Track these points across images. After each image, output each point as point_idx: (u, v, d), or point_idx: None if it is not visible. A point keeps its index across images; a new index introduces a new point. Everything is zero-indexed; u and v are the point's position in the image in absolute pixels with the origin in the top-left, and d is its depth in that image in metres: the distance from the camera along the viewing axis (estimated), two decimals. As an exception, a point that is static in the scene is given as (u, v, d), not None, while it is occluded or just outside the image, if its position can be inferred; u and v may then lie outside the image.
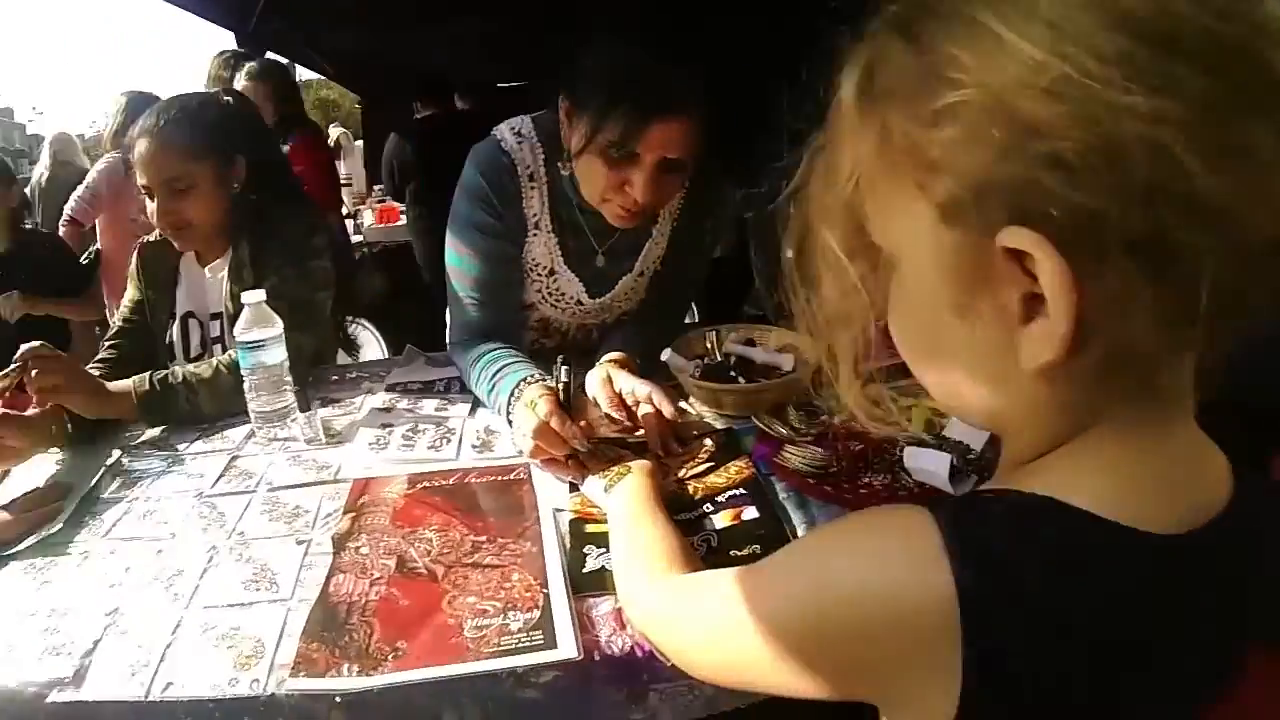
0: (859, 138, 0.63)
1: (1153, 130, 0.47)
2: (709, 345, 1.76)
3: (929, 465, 1.28)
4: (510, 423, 1.53)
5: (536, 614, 1.04)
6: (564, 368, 1.43)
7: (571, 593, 1.08)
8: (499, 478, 1.40)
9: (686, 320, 2.29)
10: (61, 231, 3.89)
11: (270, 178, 2.03)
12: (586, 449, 1.37)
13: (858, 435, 1.42)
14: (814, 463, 1.33)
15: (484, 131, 1.77)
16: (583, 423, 1.39)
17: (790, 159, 0.71)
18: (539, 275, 1.83)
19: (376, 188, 6.56)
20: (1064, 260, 0.51)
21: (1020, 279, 0.54)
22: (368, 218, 6.15)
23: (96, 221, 3.89)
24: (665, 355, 1.64)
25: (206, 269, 2.00)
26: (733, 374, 1.64)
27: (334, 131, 7.23)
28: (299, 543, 1.23)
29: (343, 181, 6.78)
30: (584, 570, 1.13)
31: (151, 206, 1.86)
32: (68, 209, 3.86)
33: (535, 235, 1.76)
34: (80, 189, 3.85)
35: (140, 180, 1.86)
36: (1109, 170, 0.48)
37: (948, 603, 0.55)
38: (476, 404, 1.74)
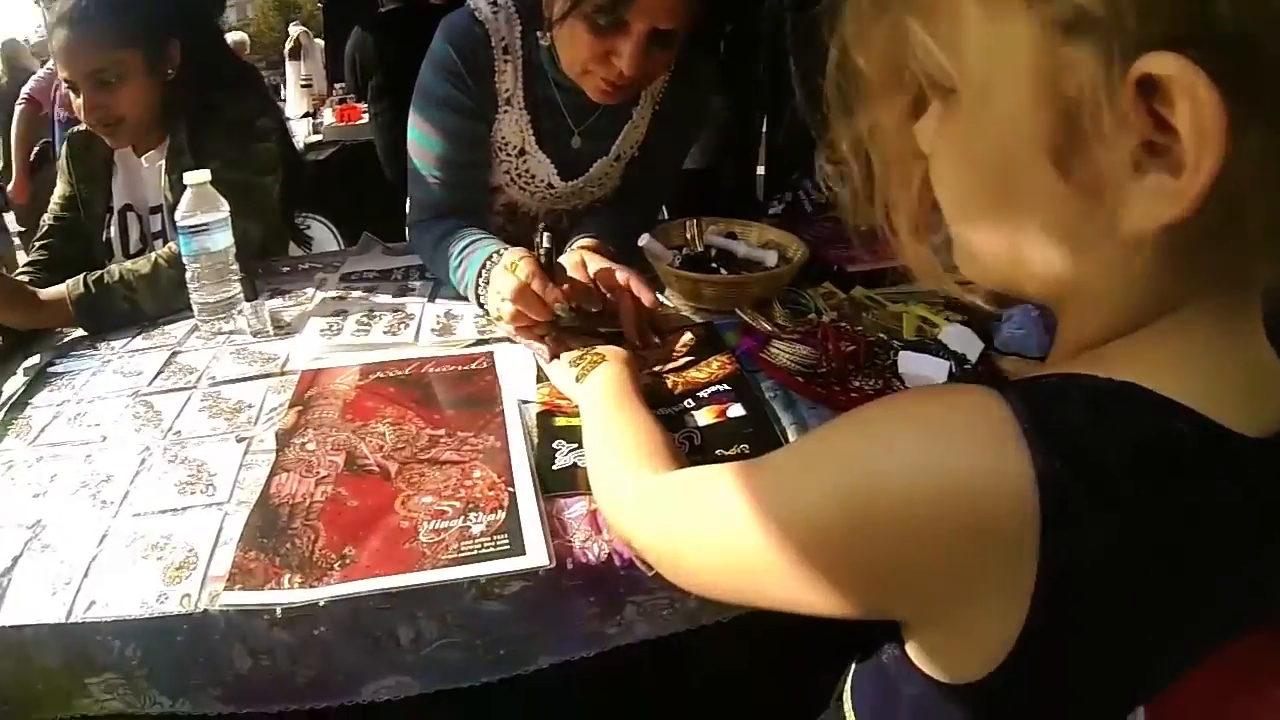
0: None
1: None
2: (689, 236, 1.64)
3: (926, 371, 1.20)
4: (479, 301, 1.46)
5: (501, 515, 0.93)
6: (546, 234, 1.32)
7: (540, 492, 0.98)
8: (459, 367, 1.29)
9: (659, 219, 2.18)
10: (18, 111, 3.77)
11: (208, 58, 1.86)
12: (568, 316, 1.28)
13: (848, 336, 1.32)
14: (803, 361, 1.23)
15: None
16: (565, 287, 1.29)
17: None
18: (508, 155, 1.70)
19: (337, 86, 6.36)
20: (1220, 99, 0.42)
21: (1143, 122, 0.45)
22: (328, 117, 5.95)
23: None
24: (644, 241, 1.52)
25: (143, 158, 1.85)
26: (713, 265, 1.54)
27: (294, 30, 6.98)
28: (239, 440, 1.12)
29: (303, 82, 6.60)
30: (554, 468, 1.03)
31: (78, 101, 1.70)
32: (25, 89, 3.74)
33: (506, 112, 1.63)
34: (40, 70, 3.75)
35: (62, 74, 1.70)
36: None
37: (1027, 494, 0.48)
38: (437, 288, 1.64)
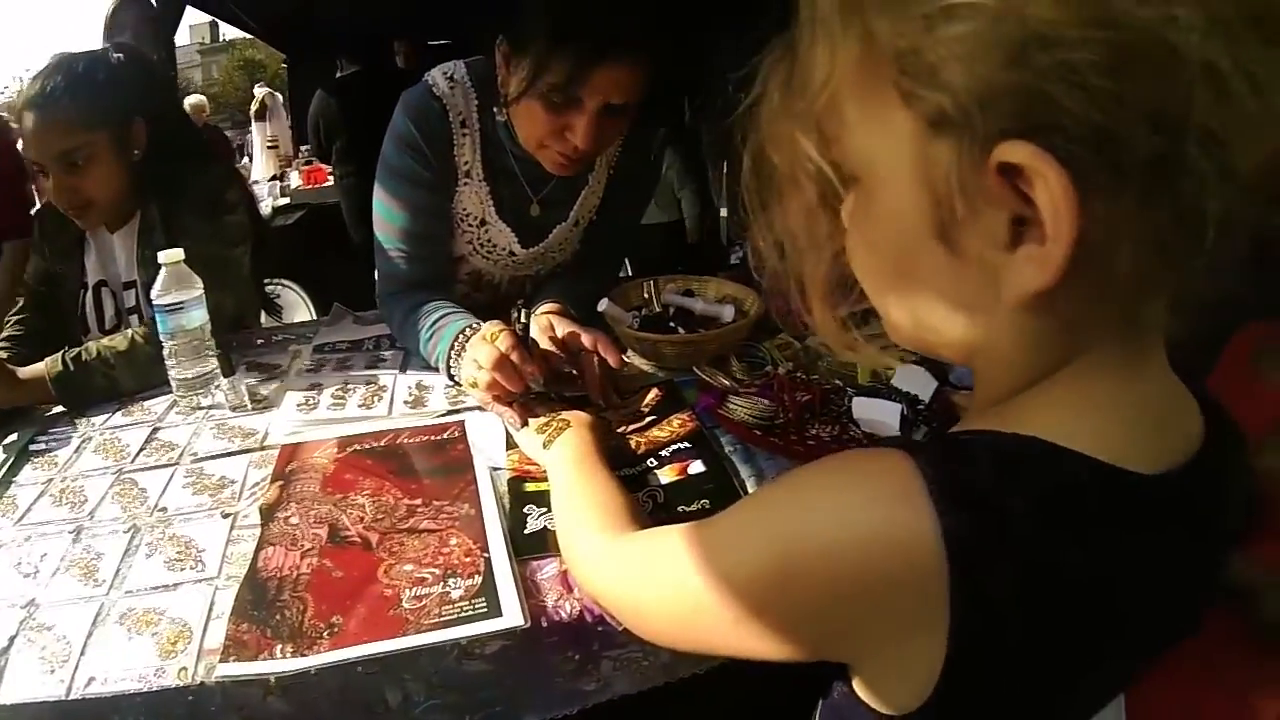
0: (837, 44, 0.57)
1: (1170, 45, 0.44)
2: (646, 295, 1.71)
3: (878, 415, 1.27)
4: (449, 373, 1.51)
5: (478, 580, 0.99)
6: (524, 310, 1.39)
7: (514, 556, 1.04)
8: (433, 437, 1.35)
9: (621, 275, 2.25)
10: None
11: (173, 135, 1.91)
12: (540, 388, 1.36)
13: (803, 386, 1.39)
14: (760, 414, 1.30)
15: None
16: (538, 360, 1.36)
17: (745, 69, 0.66)
18: (470, 226, 1.77)
19: (303, 148, 6.42)
20: (1069, 178, 0.48)
21: (1011, 200, 0.51)
22: (295, 179, 6.01)
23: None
24: (603, 306, 1.60)
25: (115, 235, 1.90)
26: (671, 324, 1.61)
27: (259, 92, 7.05)
28: (225, 516, 1.17)
29: (269, 143, 6.65)
30: (525, 531, 1.09)
31: (48, 184, 1.75)
32: None
33: (466, 184, 1.70)
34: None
35: (31, 156, 1.74)
36: (1120, 85, 0.45)
37: (933, 548, 0.53)
38: (408, 359, 1.70)
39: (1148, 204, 0.48)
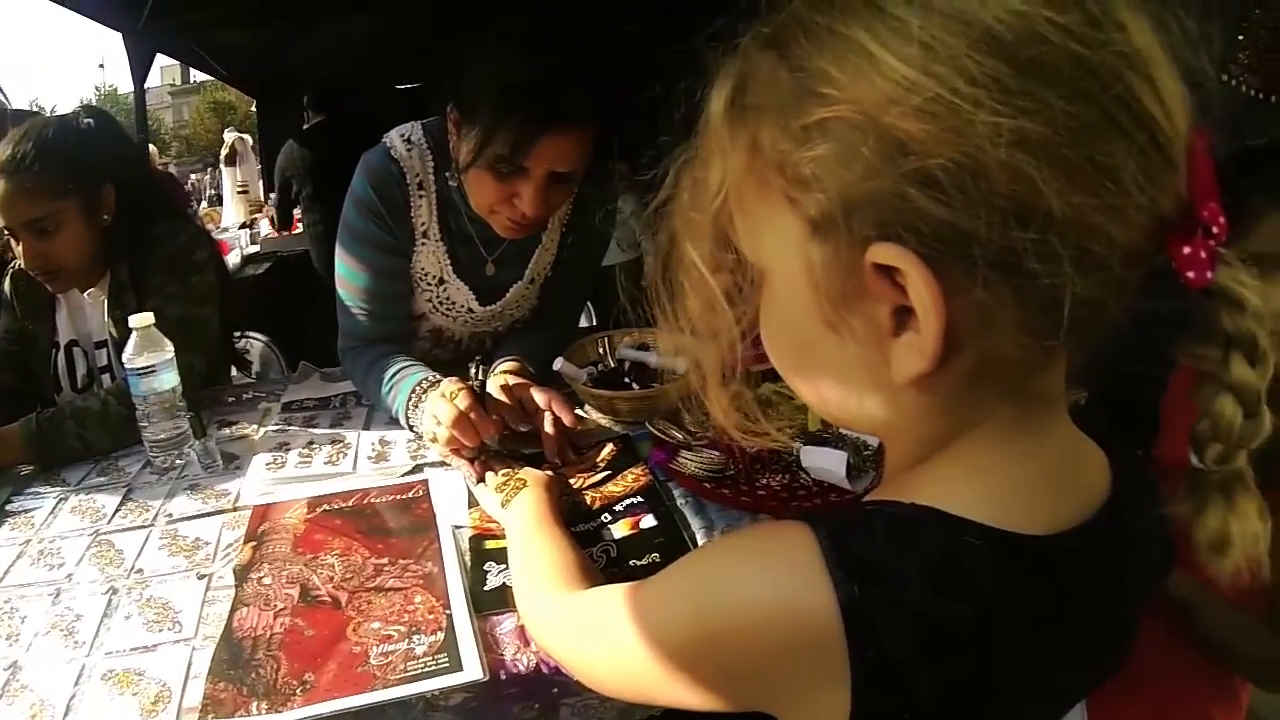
0: (729, 151, 0.63)
1: (1016, 150, 0.49)
2: (601, 351, 1.79)
3: (826, 464, 1.32)
4: (409, 424, 1.58)
5: (441, 636, 1.06)
6: (481, 367, 1.47)
7: (474, 612, 1.11)
8: (398, 496, 1.41)
9: (583, 324, 2.32)
10: None
11: (142, 198, 1.96)
12: (495, 446, 1.44)
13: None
14: (710, 467, 1.37)
15: (378, 135, 1.75)
16: (495, 418, 1.43)
17: (658, 172, 0.72)
18: (429, 285, 1.84)
19: (272, 195, 6.42)
20: (931, 275, 0.53)
21: (890, 292, 0.56)
22: (264, 227, 5.99)
23: None
24: (558, 364, 1.66)
25: (86, 295, 1.95)
26: (626, 380, 1.68)
27: (229, 137, 7.01)
28: (200, 577, 1.23)
29: (239, 189, 6.64)
30: (485, 588, 1.16)
31: (18, 248, 1.79)
32: None
33: (424, 245, 1.78)
34: None
35: (0, 222, 1.77)
36: (974, 188, 0.50)
37: (831, 616, 0.57)
38: (371, 416, 1.76)
39: (1013, 292, 0.53)
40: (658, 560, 1.18)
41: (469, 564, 1.22)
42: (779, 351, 0.71)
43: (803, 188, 0.58)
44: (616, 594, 0.80)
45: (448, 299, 1.87)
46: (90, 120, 1.91)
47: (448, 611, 1.10)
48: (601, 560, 1.19)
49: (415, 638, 1.06)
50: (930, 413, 0.63)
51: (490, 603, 1.13)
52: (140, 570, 1.26)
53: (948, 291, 0.54)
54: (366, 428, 1.72)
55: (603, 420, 1.65)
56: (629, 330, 1.82)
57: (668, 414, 1.57)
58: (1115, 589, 0.70)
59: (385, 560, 1.23)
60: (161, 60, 4.93)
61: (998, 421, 0.63)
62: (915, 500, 0.62)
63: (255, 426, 1.77)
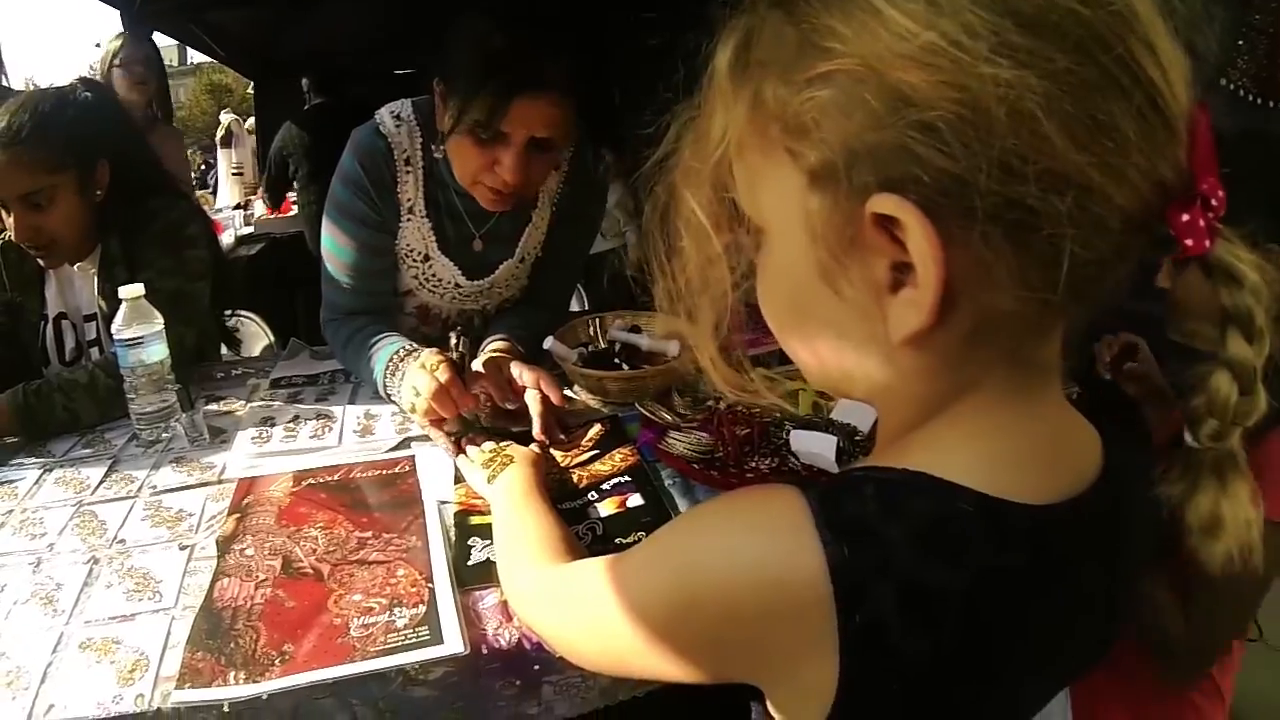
0: (731, 106, 0.63)
1: (1017, 101, 0.49)
2: (593, 332, 1.78)
3: (815, 448, 1.31)
4: (386, 393, 1.62)
5: (422, 609, 1.05)
6: (461, 339, 1.49)
7: (457, 586, 1.10)
8: (383, 471, 1.41)
9: (574, 307, 2.33)
10: None
11: (136, 172, 1.94)
12: (473, 418, 1.45)
13: (743, 420, 1.45)
14: (699, 448, 1.36)
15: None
16: (476, 393, 1.47)
17: (658, 128, 0.71)
18: (414, 261, 1.86)
19: (268, 172, 6.37)
20: (931, 226, 0.52)
21: (888, 247, 0.55)
22: (259, 208, 5.96)
23: None
24: (548, 344, 1.66)
25: (76, 268, 1.93)
26: (616, 361, 1.67)
27: (225, 118, 6.95)
28: (182, 548, 1.22)
29: (234, 170, 6.60)
30: (469, 563, 1.15)
31: (9, 220, 1.76)
32: None
33: (409, 221, 1.79)
34: None
35: None
36: (975, 138, 0.50)
37: (819, 578, 0.56)
38: (358, 391, 1.77)
39: (1013, 247, 0.52)
40: (643, 538, 1.17)
41: (453, 539, 1.21)
42: (774, 308, 0.70)
43: (803, 138, 0.57)
44: (598, 565, 0.79)
45: (434, 275, 1.89)
46: (88, 94, 1.89)
47: (430, 585, 1.09)
48: (587, 538, 1.18)
49: (396, 610, 1.05)
50: (926, 373, 0.62)
51: (473, 577, 1.12)
52: (122, 540, 1.26)
53: (947, 243, 0.53)
54: (352, 402, 1.71)
55: (592, 401, 1.64)
56: (620, 313, 1.82)
57: (657, 396, 1.56)
58: (1105, 566, 0.68)
59: (369, 534, 1.22)
60: (158, 41, 4.90)
61: (993, 386, 0.62)
62: (907, 465, 0.61)
63: (242, 402, 1.76)
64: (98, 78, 3.53)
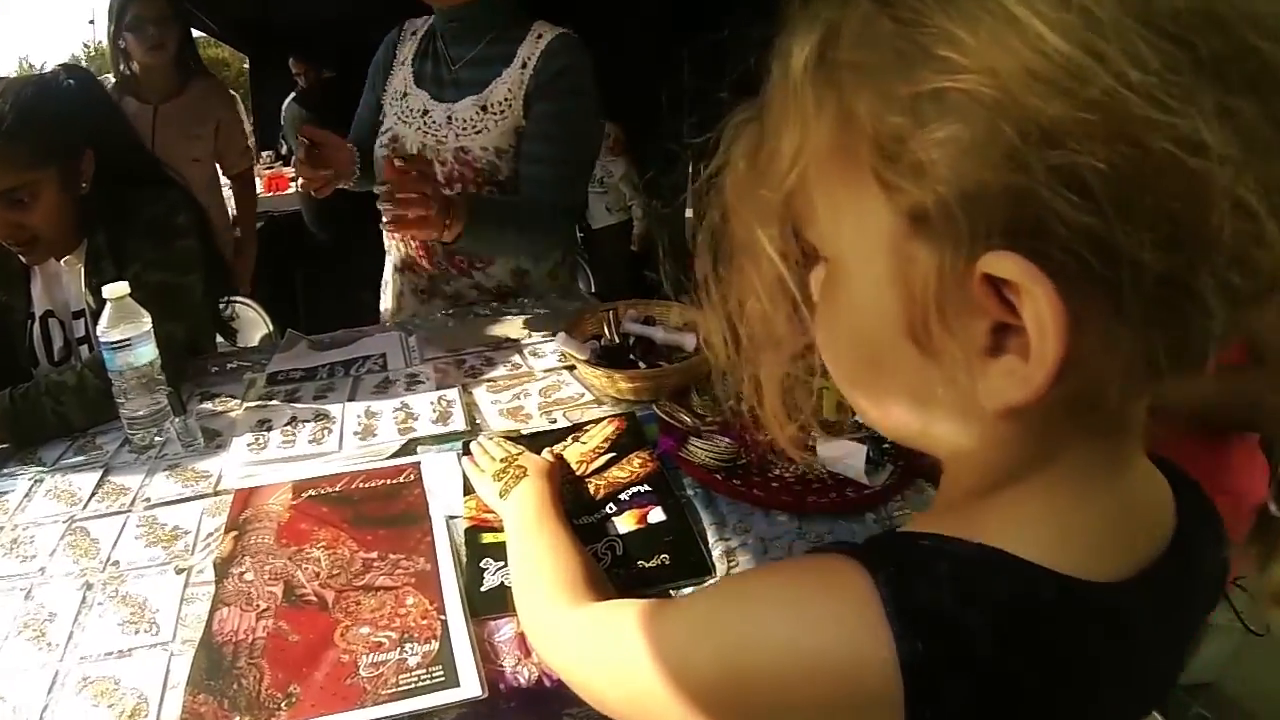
0: (811, 117, 0.53)
1: (1195, 161, 0.40)
2: (606, 326, 1.70)
3: (844, 456, 1.25)
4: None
5: (435, 645, 0.98)
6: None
7: (470, 616, 1.03)
8: (388, 481, 1.34)
9: (579, 285, 2.33)
10: None
11: (123, 162, 1.86)
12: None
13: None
14: (721, 456, 1.29)
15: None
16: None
17: (695, 135, 0.63)
18: (395, 99, 2.15)
19: (265, 154, 6.27)
20: (1058, 296, 0.44)
21: (995, 308, 0.47)
22: (256, 185, 5.87)
23: None
24: (559, 340, 1.60)
25: (62, 263, 1.85)
26: (632, 357, 1.61)
27: (221, 94, 6.87)
28: (179, 571, 1.16)
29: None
30: (482, 589, 1.09)
31: None
32: None
33: (399, 69, 2.17)
34: None
35: None
36: (1134, 199, 0.41)
37: (889, 672, 0.51)
38: (356, 385, 1.72)
39: (1146, 325, 0.45)
40: (667, 562, 1.11)
41: (464, 560, 1.15)
42: (842, 357, 0.62)
43: (904, 169, 0.48)
44: (633, 613, 0.72)
45: (407, 107, 2.11)
46: (71, 81, 1.80)
47: (442, 617, 1.03)
48: (606, 559, 1.12)
49: (408, 646, 0.98)
50: (1011, 442, 0.55)
51: (487, 605, 1.06)
52: (116, 562, 1.19)
53: (1072, 316, 0.45)
54: (351, 398, 1.65)
55: (605, 398, 1.57)
56: (633, 302, 1.75)
57: (674, 394, 1.50)
58: (1177, 635, 0.64)
59: (374, 555, 1.15)
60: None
61: (1079, 455, 0.55)
62: (981, 539, 0.55)
63: (238, 401, 1.70)
64: (104, 45, 3.33)
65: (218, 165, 3.68)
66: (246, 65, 8.10)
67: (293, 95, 5.90)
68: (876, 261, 0.53)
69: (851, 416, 1.33)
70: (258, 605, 1.07)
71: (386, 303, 2.37)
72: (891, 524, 1.19)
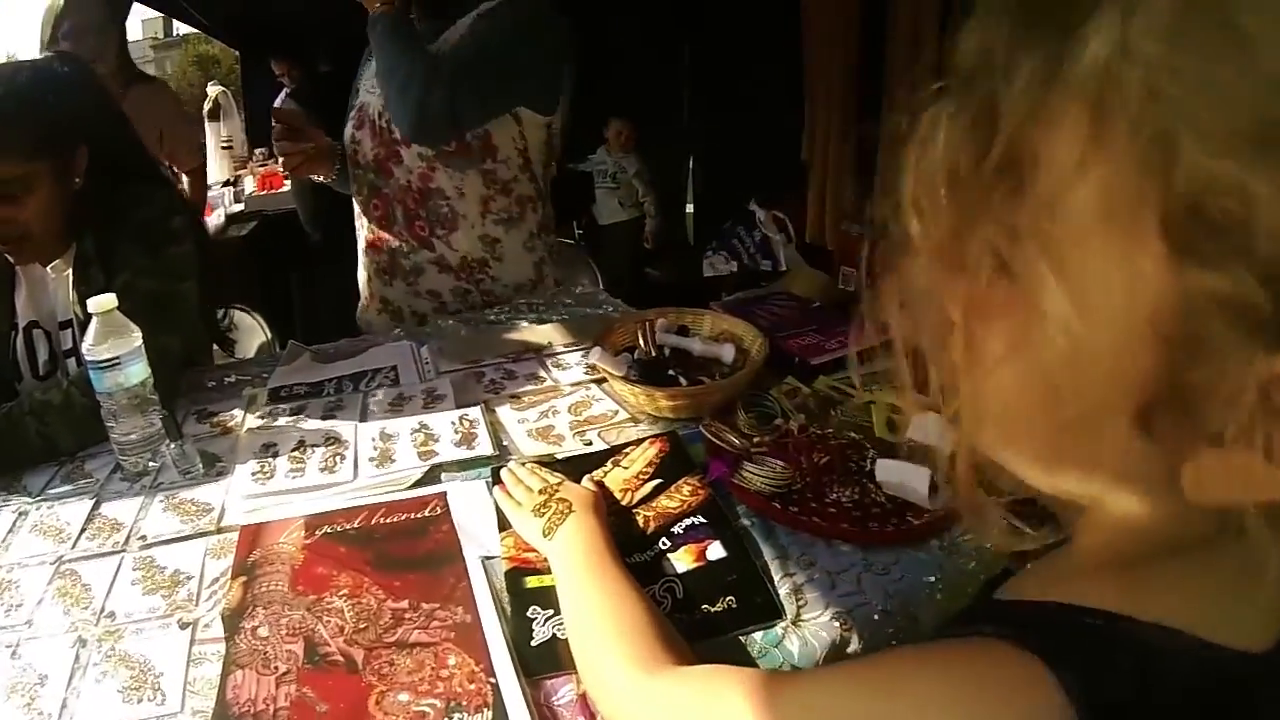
0: (1106, 139, 0.39)
1: None
2: (641, 337, 1.58)
3: (906, 480, 1.16)
4: None
5: (488, 715, 0.85)
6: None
7: (523, 677, 0.90)
8: (412, 515, 1.20)
9: (584, 281, 2.29)
10: None
11: (117, 159, 1.74)
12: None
13: (821, 446, 1.29)
14: (777, 481, 1.18)
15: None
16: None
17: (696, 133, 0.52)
18: (368, 73, 2.08)
19: (258, 151, 6.14)
20: None
21: (1263, 417, 0.38)
22: (249, 184, 5.75)
23: None
24: (593, 355, 1.48)
25: (49, 269, 1.72)
26: (671, 373, 1.48)
27: (212, 90, 6.72)
28: (183, 626, 1.02)
29: (223, 144, 6.41)
30: (533, 644, 0.96)
31: None
32: None
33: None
34: None
35: None
36: None
37: None
38: (366, 403, 1.58)
39: None
40: (734, 605, 0.99)
41: (509, 610, 1.02)
42: (1018, 410, 0.50)
43: (1219, 244, 0.36)
44: (738, 687, 0.62)
45: (371, 72, 2.05)
46: (66, 69, 1.69)
47: (491, 680, 0.89)
48: (665, 603, 1.00)
49: (455, 716, 0.85)
50: (1195, 520, 0.47)
51: (541, 663, 0.93)
52: (111, 614, 1.06)
53: None
54: (363, 419, 1.52)
55: (641, 417, 1.45)
56: (663, 310, 1.63)
57: (718, 412, 1.38)
58: None
59: (405, 604, 1.02)
60: (144, 13, 4.72)
61: (1252, 529, 0.45)
62: (1158, 619, 0.47)
63: (240, 418, 1.57)
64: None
65: (172, 166, 3.58)
66: (239, 64, 8.03)
67: (286, 91, 5.89)
68: (1132, 329, 0.41)
69: (906, 438, 1.24)
70: (276, 667, 0.94)
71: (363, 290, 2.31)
72: (957, 552, 1.10)
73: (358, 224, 2.22)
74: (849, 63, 4.06)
